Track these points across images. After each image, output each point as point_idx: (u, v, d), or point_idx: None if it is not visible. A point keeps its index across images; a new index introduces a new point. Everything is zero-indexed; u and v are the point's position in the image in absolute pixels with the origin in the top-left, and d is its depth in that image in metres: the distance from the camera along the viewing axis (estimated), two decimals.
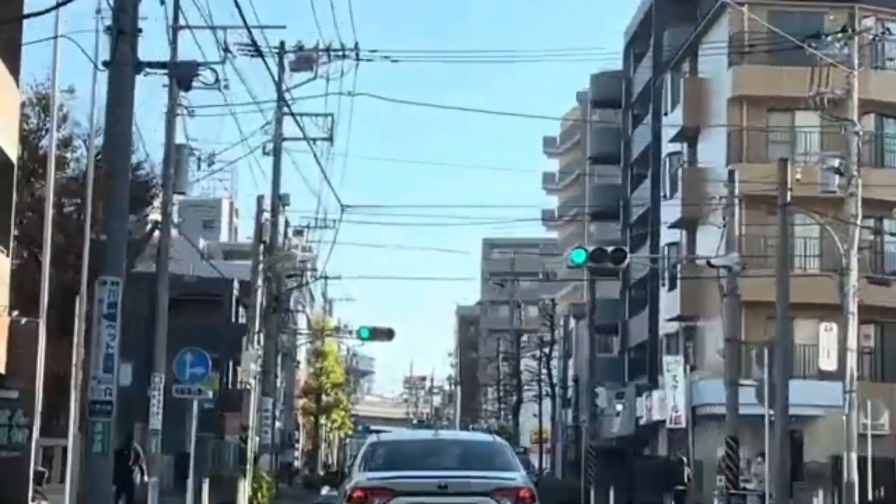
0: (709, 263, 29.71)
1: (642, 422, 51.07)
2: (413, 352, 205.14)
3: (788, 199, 27.22)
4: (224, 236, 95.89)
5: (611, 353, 62.89)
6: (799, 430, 35.87)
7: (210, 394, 28.48)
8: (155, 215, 32.58)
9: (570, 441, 63.88)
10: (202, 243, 69.83)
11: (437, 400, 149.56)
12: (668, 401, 40.49)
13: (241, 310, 52.82)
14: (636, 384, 54.54)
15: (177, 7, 25.03)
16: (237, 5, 16.12)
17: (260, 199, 37.69)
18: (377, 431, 22.25)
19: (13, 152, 22.94)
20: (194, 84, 27.63)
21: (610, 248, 28.36)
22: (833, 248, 31.10)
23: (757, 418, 30.04)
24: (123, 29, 13.28)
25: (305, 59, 35.51)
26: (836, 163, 28.45)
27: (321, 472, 75.40)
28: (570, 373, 65.48)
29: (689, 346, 46.73)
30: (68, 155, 32.09)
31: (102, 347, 13.63)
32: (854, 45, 29.04)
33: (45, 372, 23.30)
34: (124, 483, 27.87)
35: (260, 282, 37.02)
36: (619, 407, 52.08)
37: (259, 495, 34.39)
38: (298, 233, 46.02)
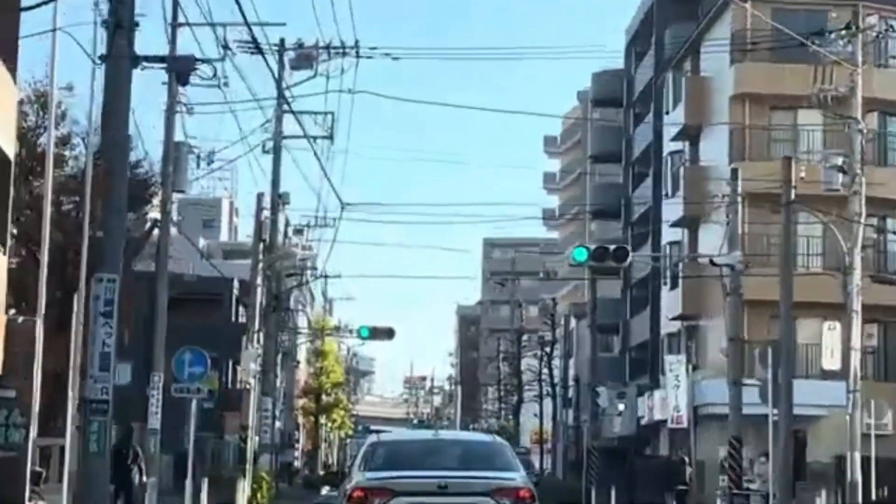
0: (712, 262, 29.53)
1: (644, 422, 50.92)
2: (413, 352, 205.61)
3: (792, 197, 26.99)
4: (224, 236, 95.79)
5: (612, 353, 62.73)
6: (802, 429, 35.67)
7: (209, 393, 28.30)
8: (154, 214, 32.44)
9: (570, 441, 63.72)
10: (202, 242, 69.70)
11: (437, 400, 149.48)
12: (670, 400, 40.35)
13: (240, 309, 52.67)
14: (637, 384, 54.38)
15: (176, 4, 24.88)
16: (237, 2, 15.96)
17: (260, 196, 37.54)
18: (377, 431, 22.13)
19: (10, 149, 22.74)
20: (194, 81, 27.58)
21: (612, 247, 28.16)
22: (836, 247, 30.94)
23: (759, 418, 29.84)
24: (121, 22, 13.10)
25: (305, 57, 35.33)
26: (839, 161, 28.28)
27: (321, 472, 75.21)
28: (571, 372, 65.32)
29: (691, 346, 46.57)
30: (67, 153, 31.98)
31: (99, 345, 13.45)
32: (858, 42, 28.87)
33: (42, 371, 23.15)
34: (123, 483, 27.71)
35: (259, 280, 36.87)
36: (621, 407, 51.91)
37: (258, 495, 34.22)
38: (298, 231, 45.91)
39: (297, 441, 79.95)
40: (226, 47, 25.63)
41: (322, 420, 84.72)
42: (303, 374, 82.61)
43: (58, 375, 25.74)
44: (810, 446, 38.12)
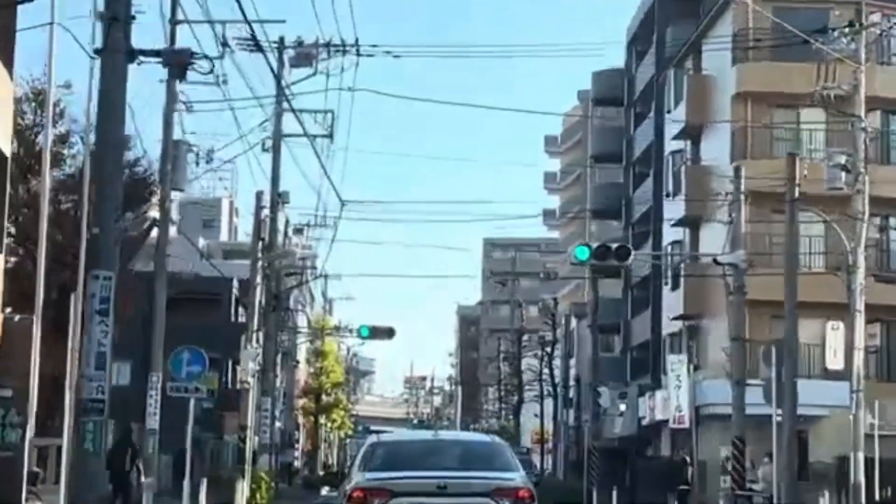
0: (715, 261, 29.38)
1: (645, 422, 50.76)
2: (413, 351, 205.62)
3: (797, 194, 26.82)
4: (224, 235, 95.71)
5: (613, 353, 62.57)
6: (804, 430, 35.49)
7: (206, 392, 28.12)
8: (153, 213, 32.25)
9: (571, 441, 63.55)
10: (202, 242, 69.52)
11: (437, 400, 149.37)
12: (672, 401, 40.17)
13: (240, 309, 52.50)
14: (638, 384, 54.23)
15: (174, 0, 24.69)
16: None
17: (259, 194, 37.36)
18: (377, 432, 22.03)
19: (7, 147, 22.59)
20: (193, 79, 27.44)
21: (614, 245, 27.99)
22: (838, 246, 30.76)
23: (761, 418, 29.70)
24: (116, 16, 12.92)
25: (305, 55, 35.12)
26: (842, 159, 28.06)
27: (321, 473, 75.07)
28: (572, 372, 65.16)
29: (693, 346, 46.42)
30: (65, 151, 31.81)
31: (94, 344, 13.28)
32: (861, 39, 28.65)
33: (40, 371, 22.98)
34: (121, 483, 27.53)
35: (259, 279, 36.69)
36: (622, 407, 51.78)
37: (258, 496, 34.02)
38: (298, 231, 45.76)
39: (297, 441, 79.79)
40: (225, 45, 25.41)
41: (322, 420, 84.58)
42: (303, 374, 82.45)
43: (55, 376, 25.54)
44: (812, 447, 37.94)
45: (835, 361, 28.99)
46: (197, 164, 29.36)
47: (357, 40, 32.49)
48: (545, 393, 70.53)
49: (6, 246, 31.37)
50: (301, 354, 79.16)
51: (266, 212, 37.25)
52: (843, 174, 27.87)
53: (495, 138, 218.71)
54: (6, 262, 31.69)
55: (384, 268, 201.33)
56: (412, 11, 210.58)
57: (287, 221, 42.21)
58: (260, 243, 36.93)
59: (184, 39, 23.57)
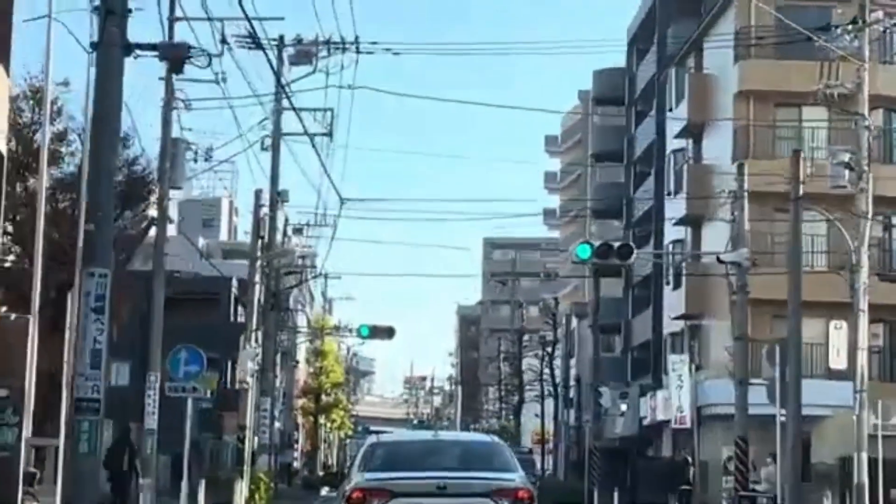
0: (718, 259, 29.21)
1: (646, 422, 50.60)
2: (413, 351, 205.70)
3: (801, 192, 26.63)
4: (224, 235, 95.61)
5: (613, 353, 62.42)
6: (806, 430, 35.29)
7: (205, 392, 27.95)
8: (152, 211, 32.05)
9: (572, 441, 63.40)
10: (201, 242, 69.40)
11: (437, 400, 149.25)
12: (673, 401, 40.00)
13: (239, 309, 52.33)
14: (639, 384, 54.08)
15: None
16: None
17: (258, 193, 37.17)
18: (377, 432, 21.95)
19: (3, 144, 22.38)
20: (192, 76, 27.37)
21: (616, 244, 27.79)
22: (840, 246, 30.58)
23: (764, 418, 29.53)
24: (112, 9, 12.71)
25: (305, 53, 34.95)
26: (846, 157, 27.86)
27: (321, 473, 74.91)
28: (573, 372, 65.01)
29: (694, 346, 46.25)
30: (63, 149, 31.56)
31: (90, 342, 13.08)
32: (865, 37, 28.46)
33: (38, 370, 22.81)
34: (120, 483, 27.37)
35: (258, 278, 36.51)
36: (623, 407, 51.61)
37: (257, 496, 33.83)
38: (298, 231, 45.56)
39: (297, 441, 79.64)
40: (224, 42, 25.26)
41: (321, 420, 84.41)
42: (302, 374, 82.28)
43: (52, 375, 25.37)
44: (814, 447, 37.73)
45: (838, 361, 28.73)
46: (196, 162, 29.19)
47: (357, 38, 32.34)
48: (546, 393, 70.37)
49: (3, 245, 31.27)
50: (301, 354, 79.01)
51: (265, 210, 37.06)
52: (847, 172, 27.68)
53: (495, 136, 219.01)
54: (3, 261, 31.58)
55: (384, 267, 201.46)
56: (412, 12, 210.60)
57: (286, 220, 42.08)
58: (259, 242, 36.74)
59: (182, 37, 23.33)
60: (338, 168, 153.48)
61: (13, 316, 22.89)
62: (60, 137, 31.28)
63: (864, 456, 26.89)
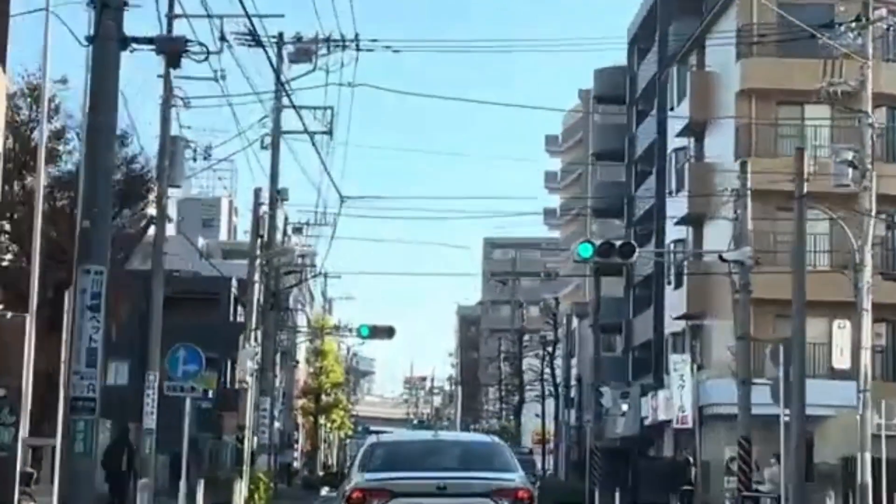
0: (721, 258, 29.02)
1: (647, 422, 50.41)
2: (413, 351, 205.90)
3: (805, 190, 26.44)
4: (223, 235, 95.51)
5: (614, 353, 62.23)
6: (809, 430, 35.14)
7: (203, 392, 27.79)
8: (151, 210, 31.87)
9: (573, 441, 63.22)
10: (201, 242, 69.26)
11: (437, 400, 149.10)
12: (675, 400, 39.86)
13: (239, 308, 52.18)
14: (640, 384, 53.91)
15: None
16: None
17: (257, 191, 36.97)
18: (377, 432, 21.85)
19: (0, 141, 22.23)
20: (191, 74, 27.14)
21: (618, 243, 27.62)
22: (843, 245, 30.42)
23: (766, 418, 29.36)
24: (108, 2, 12.52)
25: (304, 51, 34.74)
26: (849, 156, 27.70)
27: (320, 473, 74.76)
28: (573, 372, 64.84)
29: (696, 345, 46.07)
30: (61, 147, 31.39)
31: (85, 340, 12.88)
32: (868, 34, 28.30)
33: (36, 369, 22.63)
34: (118, 484, 27.19)
35: (257, 277, 36.32)
36: (625, 407, 51.45)
37: (256, 496, 33.63)
38: (297, 230, 45.37)
39: (297, 441, 79.47)
40: (223, 39, 25.06)
41: (321, 420, 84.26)
42: (302, 373, 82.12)
43: (50, 374, 25.21)
44: (817, 447, 37.59)
45: (841, 361, 28.62)
46: (194, 160, 28.99)
47: (357, 35, 32.15)
48: (546, 393, 70.19)
49: (1, 244, 31.10)
50: (301, 354, 78.86)
51: (264, 209, 36.87)
52: (851, 171, 27.51)
53: (495, 134, 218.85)
54: (1, 259, 31.42)
55: (384, 266, 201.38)
56: (412, 10, 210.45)
57: (286, 219, 41.88)
58: (258, 241, 36.55)
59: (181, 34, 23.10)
60: (338, 166, 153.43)
61: (10, 314, 22.70)
62: (58, 135, 31.12)
63: (868, 456, 26.75)
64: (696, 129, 46.88)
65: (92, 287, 12.81)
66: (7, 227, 31.50)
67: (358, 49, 31.98)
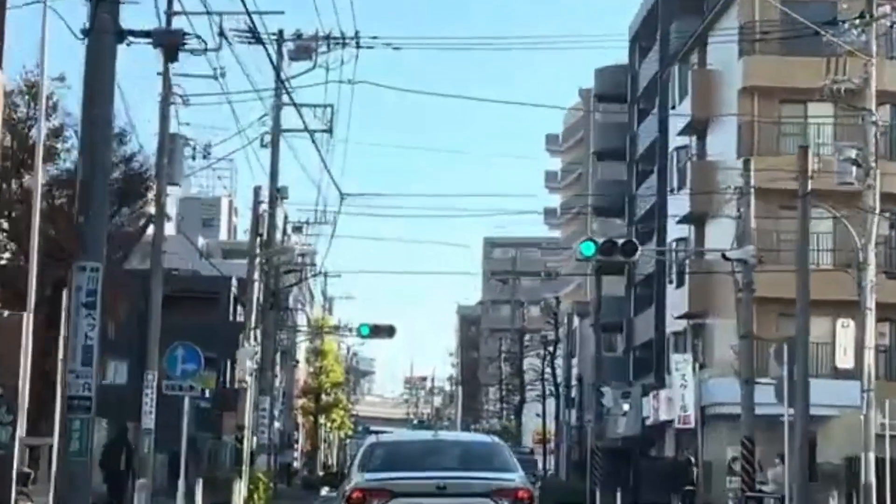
0: (724, 256, 28.83)
1: (649, 422, 50.23)
2: (413, 350, 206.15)
3: (809, 188, 26.26)
4: (223, 235, 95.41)
5: (615, 352, 62.05)
6: (812, 430, 34.95)
7: (202, 391, 27.62)
8: (150, 208, 31.68)
9: (573, 441, 63.04)
10: (201, 241, 69.12)
11: (437, 400, 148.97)
12: (677, 400, 39.68)
13: (239, 308, 52.01)
14: (642, 383, 53.74)
15: None
16: None
17: (257, 189, 36.79)
18: (377, 432, 21.75)
19: None
20: (190, 71, 26.98)
21: (620, 241, 27.43)
22: (846, 243, 30.23)
23: (770, 418, 29.19)
24: None
25: (304, 48, 34.59)
26: (853, 153, 27.49)
27: (320, 473, 74.60)
28: (574, 372, 64.68)
29: (698, 345, 45.89)
30: (59, 145, 31.16)
31: (81, 338, 12.71)
32: (872, 31, 28.11)
33: (33, 368, 22.43)
34: (117, 483, 27.01)
35: (256, 275, 36.13)
36: (626, 407, 51.26)
37: (255, 496, 33.45)
38: (297, 229, 45.22)
39: (297, 441, 79.29)
40: (222, 36, 24.90)
41: (321, 420, 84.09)
42: (302, 373, 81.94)
43: (47, 373, 25.02)
44: (820, 447, 37.34)
45: (845, 360, 28.38)
46: (193, 158, 28.83)
47: (357, 33, 31.99)
48: (547, 393, 70.01)
49: None
50: (300, 354, 78.68)
51: (264, 207, 36.68)
52: (854, 169, 27.31)
53: (495, 132, 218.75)
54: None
55: (384, 265, 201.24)
56: (411, 12, 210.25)
57: (286, 218, 41.70)
58: (258, 239, 36.37)
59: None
60: (338, 164, 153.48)
61: (7, 313, 22.50)
62: (56, 133, 30.88)
63: (872, 456, 26.56)
64: (697, 128, 46.72)
65: (87, 284, 12.64)
66: (5, 225, 31.30)
67: (358, 46, 31.87)
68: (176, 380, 24.98)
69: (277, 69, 31.78)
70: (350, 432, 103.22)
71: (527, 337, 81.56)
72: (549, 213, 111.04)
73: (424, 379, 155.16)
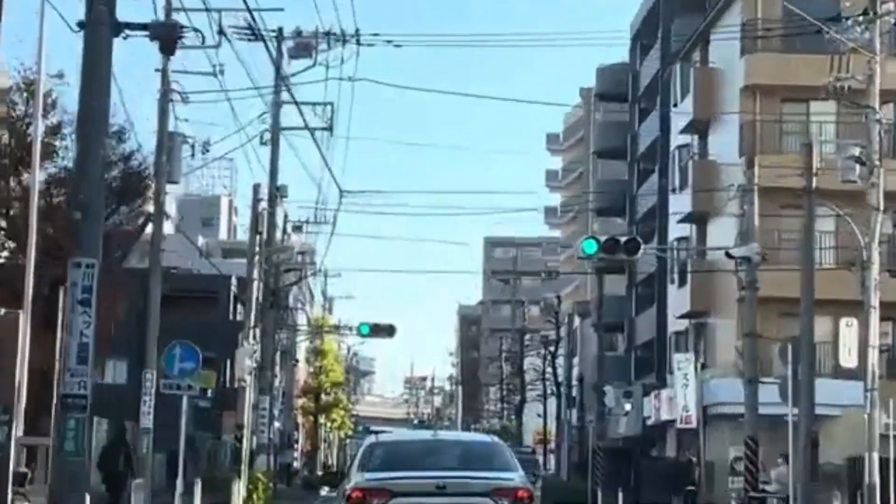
0: (727, 254, 28.64)
1: (650, 422, 50.05)
2: (414, 350, 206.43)
3: (814, 185, 26.09)
4: (223, 234, 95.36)
5: (616, 352, 61.89)
6: (814, 430, 34.75)
7: (202, 390, 27.44)
8: (148, 207, 31.53)
9: (574, 441, 62.88)
10: (201, 241, 68.99)
11: (437, 400, 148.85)
12: (679, 400, 39.52)
13: (238, 307, 51.86)
14: (643, 383, 53.58)
15: None
16: None
17: (256, 187, 36.57)
18: (377, 432, 21.67)
19: None
20: (189, 69, 26.78)
21: (623, 238, 27.25)
22: (849, 242, 30.06)
23: (773, 418, 29.01)
24: None
25: (304, 46, 34.39)
26: (856, 151, 27.30)
27: (320, 473, 74.41)
28: (575, 371, 64.53)
29: (700, 344, 45.71)
30: (57, 143, 31.02)
31: (76, 335, 12.49)
32: (876, 28, 27.91)
33: (31, 367, 22.28)
34: (115, 484, 26.83)
35: (256, 274, 35.94)
36: (628, 406, 51.11)
37: (254, 497, 33.23)
38: (297, 228, 45.03)
39: (297, 441, 79.10)
40: (222, 33, 24.74)
41: (322, 420, 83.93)
42: (302, 373, 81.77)
43: (45, 372, 24.84)
44: (823, 447, 37.06)
45: (849, 360, 28.16)
46: (193, 156, 28.63)
47: (357, 30, 31.82)
48: (548, 392, 69.85)
49: None
50: (300, 353, 78.50)
51: (264, 205, 36.48)
52: (858, 167, 27.12)
53: (496, 130, 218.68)
54: None
55: (384, 264, 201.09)
56: (412, 8, 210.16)
57: (286, 216, 41.50)
58: (257, 238, 36.17)
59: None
60: (338, 162, 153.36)
61: (3, 311, 22.34)
62: (55, 131, 30.79)
63: (876, 456, 26.37)
64: (699, 126, 46.54)
65: (83, 280, 12.44)
66: (3, 223, 31.18)
67: (359, 44, 31.69)
68: (174, 378, 24.80)
69: (277, 66, 31.61)
70: (350, 432, 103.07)
71: (527, 337, 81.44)
72: (549, 212, 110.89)
73: (424, 379, 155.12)
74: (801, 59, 37.74)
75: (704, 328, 45.86)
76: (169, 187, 28.17)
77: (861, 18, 27.93)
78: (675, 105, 48.72)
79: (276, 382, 53.74)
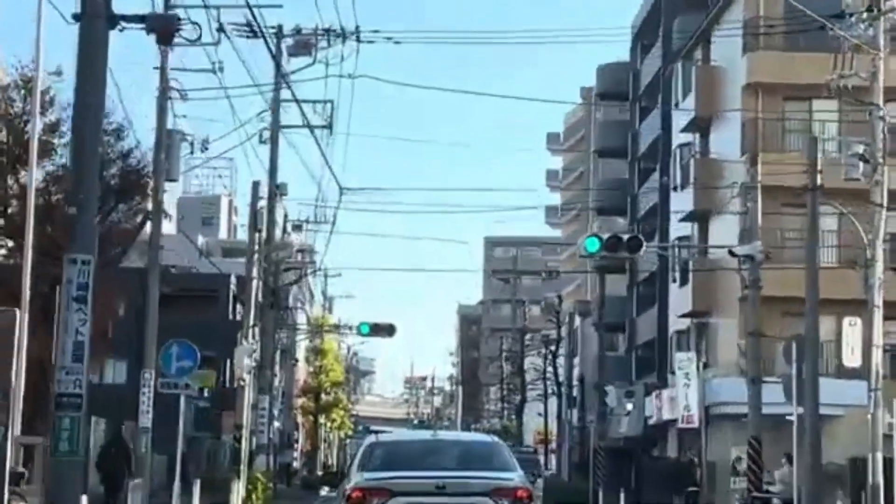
0: (731, 252, 28.44)
1: (651, 421, 49.89)
2: (414, 350, 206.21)
3: (818, 182, 25.89)
4: (223, 233, 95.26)
5: (617, 352, 61.73)
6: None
7: (201, 390, 27.28)
8: (147, 205, 31.35)
9: (575, 441, 62.72)
10: (201, 240, 68.91)
11: (437, 400, 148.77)
12: (680, 400, 39.30)
13: (238, 306, 51.71)
14: (644, 383, 53.42)
15: None
16: None
17: (256, 184, 36.41)
18: (377, 432, 21.58)
19: None
20: (189, 66, 26.60)
21: (625, 236, 27.06)
22: (853, 240, 29.88)
23: (776, 418, 28.82)
24: None
25: (304, 44, 34.27)
26: (860, 149, 27.12)
27: (320, 473, 74.26)
28: (576, 371, 64.37)
29: (702, 343, 45.54)
30: (55, 140, 30.80)
31: (72, 333, 12.33)
32: (879, 25, 27.73)
33: (29, 367, 22.11)
34: (114, 484, 26.68)
35: (255, 272, 35.77)
36: (629, 406, 50.93)
37: (254, 497, 33.04)
38: (297, 227, 44.92)
39: (296, 441, 78.95)
40: (221, 30, 24.60)
41: (321, 420, 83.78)
42: (302, 372, 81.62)
43: (42, 371, 24.67)
44: (825, 447, 36.83)
45: (852, 359, 28.03)
46: (192, 153, 28.48)
47: (357, 27, 31.67)
48: (549, 392, 69.68)
49: None
50: (300, 353, 78.35)
51: (263, 202, 36.32)
52: (861, 165, 26.95)
53: (496, 129, 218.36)
54: None
55: (384, 263, 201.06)
56: (412, 5, 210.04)
57: (286, 215, 41.38)
58: (257, 235, 36.01)
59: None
60: (338, 159, 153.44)
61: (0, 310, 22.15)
62: (53, 128, 30.57)
63: (879, 456, 26.19)
64: (701, 125, 46.38)
65: (78, 277, 12.28)
66: (0, 222, 31.00)
67: (359, 41, 31.55)
68: (171, 378, 24.63)
69: (277, 63, 31.44)
70: (350, 432, 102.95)
71: (528, 336, 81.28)
72: (550, 211, 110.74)
73: (424, 379, 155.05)
74: (804, 57, 37.54)
75: (706, 327, 45.71)
76: (167, 185, 28.01)
77: (864, 15, 27.74)
78: (677, 104, 48.56)
79: (276, 382, 53.60)
